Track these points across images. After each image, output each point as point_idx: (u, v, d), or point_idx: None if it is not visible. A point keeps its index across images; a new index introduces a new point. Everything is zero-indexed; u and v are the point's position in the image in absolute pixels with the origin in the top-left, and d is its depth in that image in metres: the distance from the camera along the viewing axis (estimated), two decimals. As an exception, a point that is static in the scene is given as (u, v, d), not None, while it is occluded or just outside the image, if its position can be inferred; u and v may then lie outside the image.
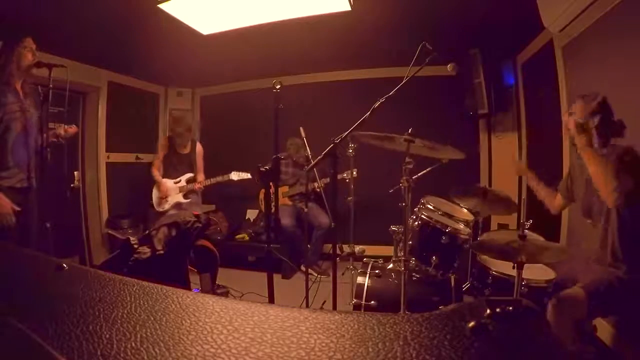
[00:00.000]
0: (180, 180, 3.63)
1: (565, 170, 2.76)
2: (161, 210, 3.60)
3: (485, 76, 3.54)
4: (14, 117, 2.06)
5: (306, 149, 3.13)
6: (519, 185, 3.85)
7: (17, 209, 2.04)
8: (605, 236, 1.77)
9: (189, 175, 3.65)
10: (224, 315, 0.43)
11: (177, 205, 3.57)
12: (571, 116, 1.85)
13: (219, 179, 3.59)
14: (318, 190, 3.34)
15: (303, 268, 3.65)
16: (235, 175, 3.57)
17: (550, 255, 1.62)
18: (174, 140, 3.66)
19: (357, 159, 2.92)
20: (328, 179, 3.48)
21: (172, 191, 3.60)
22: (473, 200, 2.52)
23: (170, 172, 3.66)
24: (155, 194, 3.68)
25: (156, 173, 3.66)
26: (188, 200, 3.61)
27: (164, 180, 3.62)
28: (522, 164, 3.02)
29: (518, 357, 0.34)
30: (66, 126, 2.33)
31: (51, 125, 2.25)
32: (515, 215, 3.47)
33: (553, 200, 2.20)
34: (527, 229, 1.62)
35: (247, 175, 3.58)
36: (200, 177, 3.67)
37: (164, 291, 0.50)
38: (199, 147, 3.73)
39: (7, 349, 0.38)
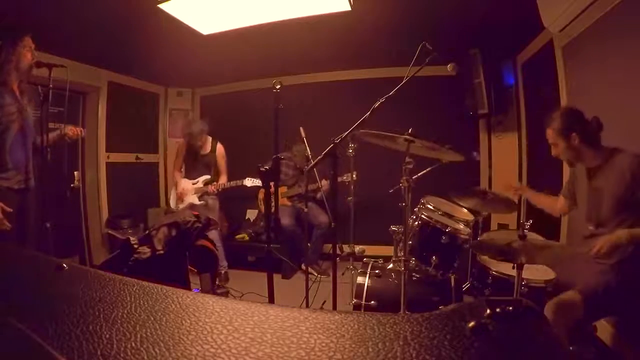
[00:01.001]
0: (197, 182, 3.62)
1: (565, 170, 2.76)
2: (176, 210, 3.59)
3: (485, 76, 3.54)
4: (11, 119, 2.04)
5: (307, 150, 3.13)
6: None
7: (9, 209, 1.97)
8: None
9: (207, 177, 3.62)
10: (224, 315, 0.43)
11: (192, 207, 3.48)
12: (554, 147, 1.86)
13: (233, 183, 3.55)
14: (319, 190, 3.34)
15: (303, 267, 3.65)
16: (249, 182, 3.51)
17: (550, 255, 1.62)
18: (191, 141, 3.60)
19: (357, 159, 2.91)
20: (328, 182, 3.48)
21: (188, 192, 3.59)
22: (473, 200, 2.52)
23: (189, 173, 3.67)
24: (173, 194, 3.71)
25: (177, 174, 3.68)
26: (202, 202, 3.55)
27: (183, 180, 3.63)
28: (513, 185, 2.73)
29: (518, 357, 0.34)
30: (73, 127, 2.30)
31: (54, 125, 2.21)
32: (515, 215, 3.47)
33: (554, 205, 2.19)
34: (527, 229, 1.62)
35: (259, 183, 3.44)
36: (223, 179, 3.60)
37: (164, 291, 0.50)
38: (219, 148, 3.65)
39: (7, 349, 0.38)
